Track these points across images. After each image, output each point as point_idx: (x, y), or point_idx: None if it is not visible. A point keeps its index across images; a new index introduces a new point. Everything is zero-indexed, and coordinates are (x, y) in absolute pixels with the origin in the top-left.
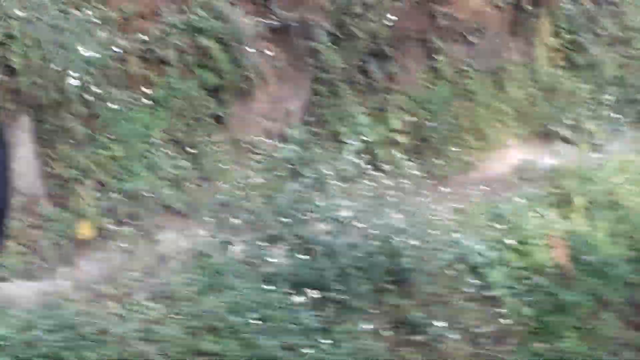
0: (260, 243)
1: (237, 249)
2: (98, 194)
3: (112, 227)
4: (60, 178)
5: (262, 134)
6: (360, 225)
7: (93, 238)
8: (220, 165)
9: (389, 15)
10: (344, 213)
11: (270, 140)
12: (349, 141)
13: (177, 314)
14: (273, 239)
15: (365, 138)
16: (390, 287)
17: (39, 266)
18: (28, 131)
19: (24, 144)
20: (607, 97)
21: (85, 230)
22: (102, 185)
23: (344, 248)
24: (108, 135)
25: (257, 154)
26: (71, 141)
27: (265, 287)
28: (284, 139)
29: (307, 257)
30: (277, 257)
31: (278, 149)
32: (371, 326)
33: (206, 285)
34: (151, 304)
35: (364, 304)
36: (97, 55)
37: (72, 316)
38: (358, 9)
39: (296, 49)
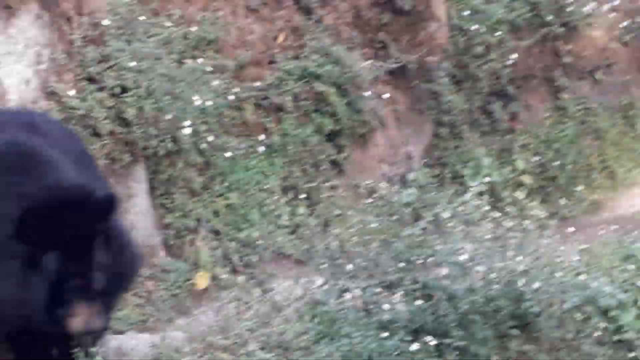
0: (376, 289)
1: (353, 296)
2: (213, 243)
3: (226, 276)
4: (176, 228)
5: (381, 178)
6: (481, 268)
7: (208, 288)
8: (337, 210)
9: (510, 55)
10: (464, 256)
11: (389, 184)
12: (471, 183)
13: None
14: (390, 285)
15: (488, 179)
16: (514, 332)
17: (155, 318)
18: (143, 182)
19: (139, 195)
20: None
21: (201, 280)
22: (218, 234)
23: (464, 292)
24: (223, 184)
25: (375, 198)
26: (186, 191)
27: (381, 334)
28: (403, 182)
29: (426, 302)
30: (394, 304)
31: (397, 193)
32: None
33: (321, 334)
34: (264, 355)
35: (487, 350)
36: (212, 104)
37: None
38: (479, 50)
39: (415, 92)
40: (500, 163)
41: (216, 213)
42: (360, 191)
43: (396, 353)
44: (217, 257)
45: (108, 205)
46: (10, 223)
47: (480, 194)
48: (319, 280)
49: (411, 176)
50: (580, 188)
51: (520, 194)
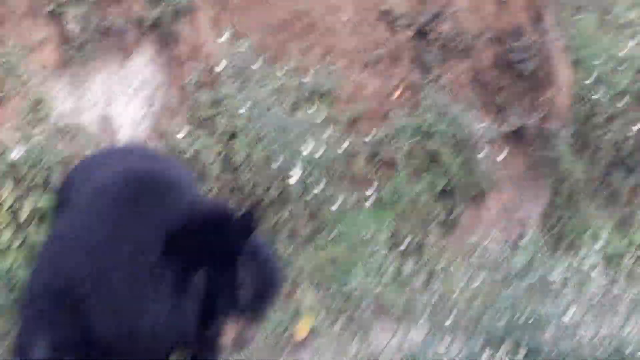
0: (478, 349)
1: (451, 351)
2: (315, 295)
3: (326, 328)
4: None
5: (492, 241)
6: (588, 333)
7: (306, 339)
8: (444, 270)
9: (633, 126)
10: (569, 318)
11: (500, 248)
12: (586, 254)
13: None
14: (492, 344)
15: (605, 251)
16: None
17: None
18: None
19: None
20: None
21: (301, 330)
22: (320, 286)
23: (569, 355)
24: (329, 236)
25: (484, 259)
26: (290, 240)
27: None
28: (514, 247)
29: None
30: None
31: (507, 257)
32: None
33: None
34: None
35: None
36: (320, 155)
37: None
38: (601, 119)
39: (533, 157)
40: (618, 235)
41: (319, 265)
42: (470, 252)
43: None
44: (318, 309)
45: (249, 222)
46: (155, 248)
47: (595, 266)
48: (418, 335)
49: (523, 242)
50: None
51: (638, 268)
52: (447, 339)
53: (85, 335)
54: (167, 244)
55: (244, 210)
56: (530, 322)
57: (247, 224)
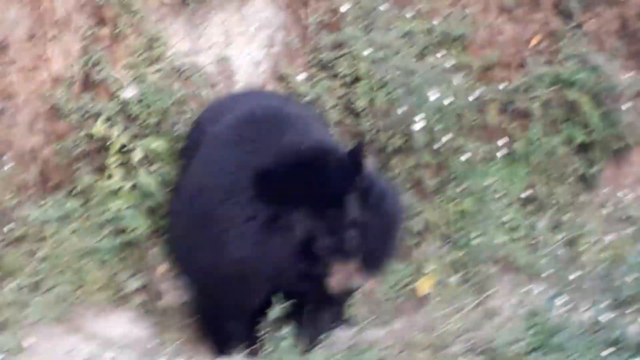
0: (605, 306)
1: (578, 310)
2: (441, 250)
3: (450, 283)
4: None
5: (635, 199)
6: None
7: (429, 294)
8: (580, 229)
9: None
10: None
11: None
12: None
13: None
14: (622, 303)
15: None
16: None
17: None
18: None
19: None
20: None
21: (422, 287)
22: (446, 239)
23: None
24: (458, 188)
25: (626, 219)
26: (416, 191)
27: (604, 353)
28: None
29: None
30: (625, 323)
31: None
32: None
33: (535, 346)
34: (467, 359)
35: None
36: (451, 102)
37: None
38: None
39: None
40: None
41: (447, 218)
42: (610, 209)
43: None
44: (444, 264)
45: (357, 160)
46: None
47: None
48: (541, 291)
49: None
50: None
51: None
52: (572, 296)
53: None
54: (257, 181)
55: (350, 147)
56: None
57: (355, 161)
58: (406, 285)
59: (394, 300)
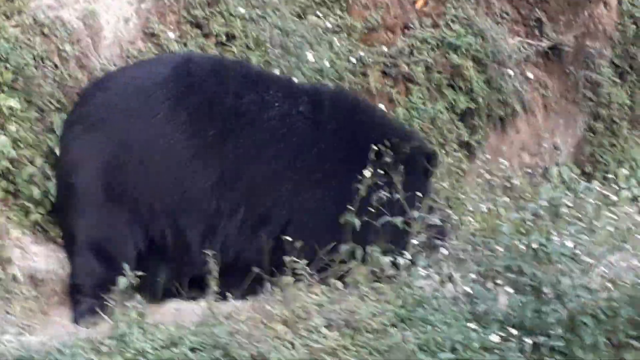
0: (474, 276)
1: (444, 280)
2: None
3: None
4: None
5: (519, 168)
6: (603, 268)
7: None
8: (460, 195)
9: None
10: (580, 251)
11: (528, 177)
12: (624, 187)
13: (355, 345)
14: (491, 274)
15: None
16: (635, 343)
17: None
18: None
19: None
20: None
21: None
22: None
23: (577, 291)
24: None
25: (508, 189)
26: None
27: (469, 325)
28: (544, 176)
29: (528, 297)
30: (491, 294)
31: (536, 187)
32: None
33: (400, 318)
34: (328, 332)
35: (595, 358)
36: (330, 65)
37: (226, 336)
38: None
39: (570, 79)
40: None
41: None
42: (493, 178)
43: (483, 347)
44: None
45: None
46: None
47: (634, 200)
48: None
49: (555, 171)
50: None
51: None
52: (441, 266)
53: None
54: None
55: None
56: (535, 252)
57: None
58: None
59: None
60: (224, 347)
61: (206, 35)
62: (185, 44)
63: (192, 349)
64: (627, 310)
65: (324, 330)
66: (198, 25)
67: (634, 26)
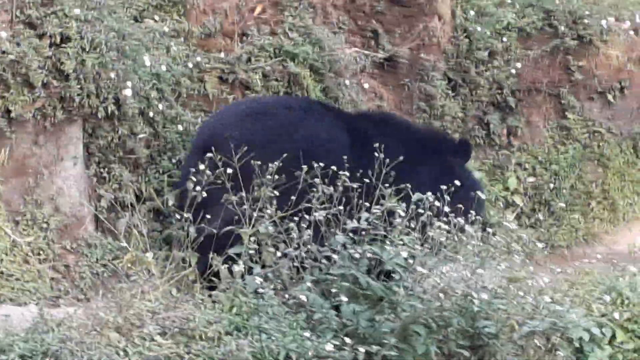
0: (310, 285)
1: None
2: (153, 224)
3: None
4: (112, 201)
5: None
6: (436, 278)
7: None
8: None
9: (516, 64)
10: (412, 260)
11: None
12: None
13: (189, 353)
14: (326, 283)
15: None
16: (465, 352)
17: (70, 295)
18: (77, 145)
19: (70, 159)
20: None
21: (128, 260)
22: (159, 214)
23: (410, 300)
24: (173, 160)
25: None
26: (128, 161)
27: (304, 334)
28: None
29: (363, 306)
30: (326, 303)
31: None
32: None
33: (235, 326)
34: (162, 340)
35: None
36: (167, 69)
37: (57, 343)
38: (482, 54)
39: (406, 90)
40: (492, 179)
41: (160, 191)
42: None
43: (317, 356)
44: (153, 239)
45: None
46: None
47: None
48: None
49: None
50: (576, 216)
51: (509, 215)
52: (279, 274)
53: None
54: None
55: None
56: (372, 262)
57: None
58: (114, 259)
59: (99, 275)
60: (55, 355)
61: (40, 36)
62: (18, 44)
63: (22, 356)
64: (458, 320)
65: (158, 338)
66: (32, 26)
67: (467, 40)
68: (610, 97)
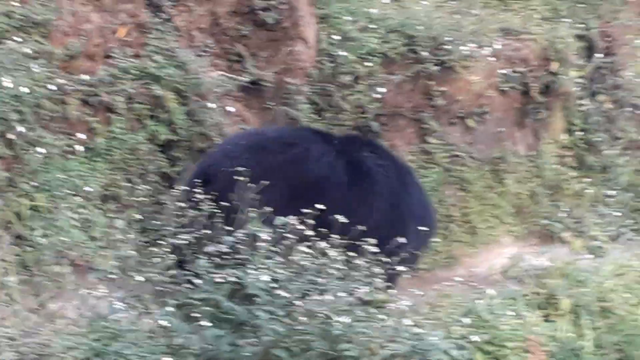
0: (172, 309)
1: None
2: (9, 247)
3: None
4: None
5: None
6: (299, 302)
7: None
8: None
9: (379, 89)
10: (272, 282)
11: None
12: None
13: None
14: (188, 307)
15: None
16: None
17: None
18: None
19: None
20: (616, 202)
21: None
22: (20, 238)
23: (272, 324)
24: (32, 183)
25: None
26: None
27: (165, 359)
28: None
29: (225, 330)
30: (188, 327)
31: None
32: None
33: (95, 352)
34: None
35: None
36: (28, 91)
37: None
38: (346, 79)
39: (270, 114)
40: None
41: (20, 215)
42: None
43: None
44: (14, 263)
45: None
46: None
47: None
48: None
49: None
50: (437, 239)
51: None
52: (141, 299)
53: None
54: None
55: None
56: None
57: None
58: None
59: None
60: None
61: None
62: None
63: None
64: (320, 344)
65: None
66: None
67: (331, 64)
68: (470, 122)
